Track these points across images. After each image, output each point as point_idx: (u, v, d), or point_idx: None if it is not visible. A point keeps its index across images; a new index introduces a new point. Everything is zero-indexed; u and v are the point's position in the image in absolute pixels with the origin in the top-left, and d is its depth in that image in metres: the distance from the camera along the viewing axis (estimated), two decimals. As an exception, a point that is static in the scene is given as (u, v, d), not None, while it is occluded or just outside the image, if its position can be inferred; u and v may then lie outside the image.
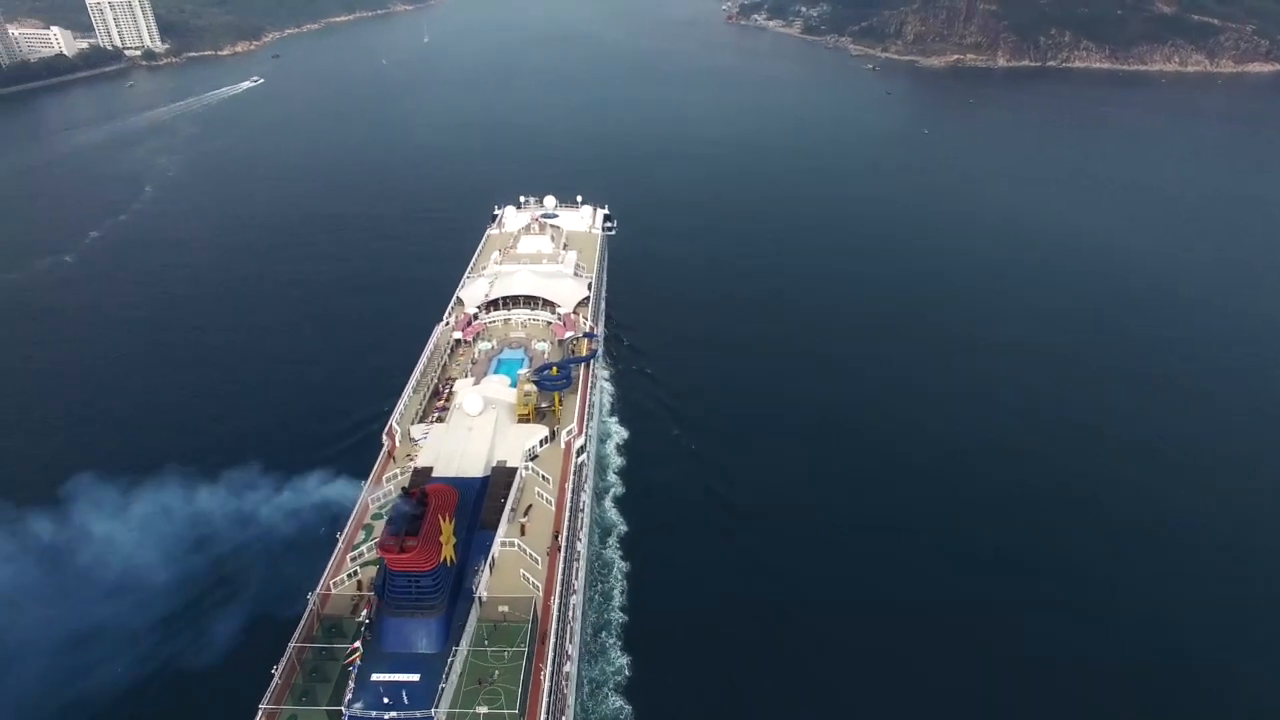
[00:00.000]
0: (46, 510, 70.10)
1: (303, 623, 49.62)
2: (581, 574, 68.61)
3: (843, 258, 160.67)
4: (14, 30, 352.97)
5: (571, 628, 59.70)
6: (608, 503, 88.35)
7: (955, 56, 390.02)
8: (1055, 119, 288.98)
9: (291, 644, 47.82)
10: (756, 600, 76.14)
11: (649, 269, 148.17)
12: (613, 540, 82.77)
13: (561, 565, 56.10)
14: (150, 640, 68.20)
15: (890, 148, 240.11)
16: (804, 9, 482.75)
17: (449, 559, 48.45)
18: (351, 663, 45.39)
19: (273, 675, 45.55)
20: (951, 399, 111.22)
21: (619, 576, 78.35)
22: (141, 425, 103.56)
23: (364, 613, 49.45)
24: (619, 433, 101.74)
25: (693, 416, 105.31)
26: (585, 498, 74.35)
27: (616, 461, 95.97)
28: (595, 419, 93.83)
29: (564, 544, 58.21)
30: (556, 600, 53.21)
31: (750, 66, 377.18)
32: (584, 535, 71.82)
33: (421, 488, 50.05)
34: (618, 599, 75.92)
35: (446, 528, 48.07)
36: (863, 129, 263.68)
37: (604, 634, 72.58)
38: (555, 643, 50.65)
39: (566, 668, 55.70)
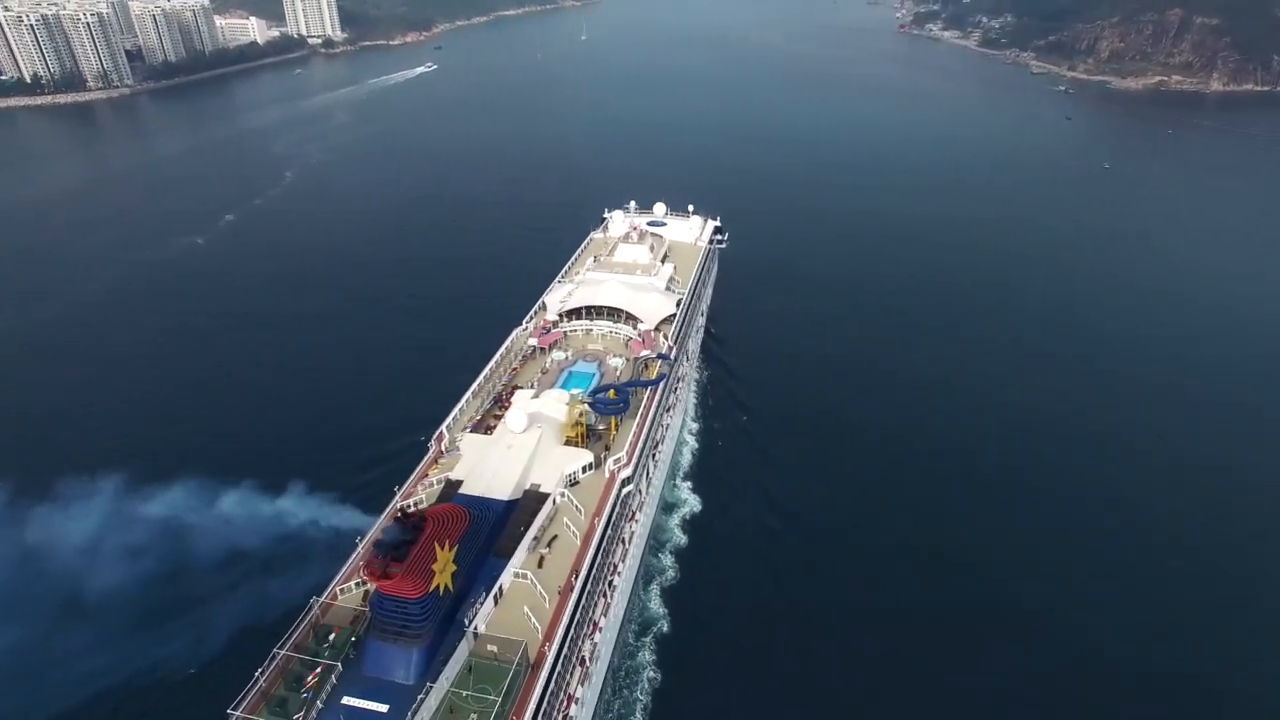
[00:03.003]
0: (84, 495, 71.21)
1: (298, 630, 47.26)
2: (613, 612, 63.74)
3: (982, 299, 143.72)
4: (220, 21, 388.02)
5: (588, 669, 55.78)
6: (654, 590, 78.11)
7: (1157, 78, 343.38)
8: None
9: (278, 650, 45.38)
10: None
11: (766, 288, 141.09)
12: (649, 640, 72.54)
13: (571, 608, 51.38)
14: (151, 634, 67.67)
15: (1058, 185, 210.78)
16: (984, 19, 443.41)
17: (443, 587, 45.46)
18: (309, 687, 43.22)
19: (258, 679, 43.69)
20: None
21: (645, 690, 68.18)
22: (202, 414, 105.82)
23: (332, 635, 47.10)
24: (690, 503, 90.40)
25: (788, 485, 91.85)
26: (635, 528, 70.29)
27: (678, 539, 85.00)
28: (666, 451, 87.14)
29: (578, 585, 53.14)
30: (555, 645, 48.38)
31: (915, 80, 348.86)
32: (625, 571, 67.20)
33: (421, 511, 47.72)
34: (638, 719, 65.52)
35: (444, 555, 45.38)
36: (1030, 159, 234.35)
37: (612, 760, 62.68)
38: (544, 690, 46.29)
39: (572, 711, 52.61)
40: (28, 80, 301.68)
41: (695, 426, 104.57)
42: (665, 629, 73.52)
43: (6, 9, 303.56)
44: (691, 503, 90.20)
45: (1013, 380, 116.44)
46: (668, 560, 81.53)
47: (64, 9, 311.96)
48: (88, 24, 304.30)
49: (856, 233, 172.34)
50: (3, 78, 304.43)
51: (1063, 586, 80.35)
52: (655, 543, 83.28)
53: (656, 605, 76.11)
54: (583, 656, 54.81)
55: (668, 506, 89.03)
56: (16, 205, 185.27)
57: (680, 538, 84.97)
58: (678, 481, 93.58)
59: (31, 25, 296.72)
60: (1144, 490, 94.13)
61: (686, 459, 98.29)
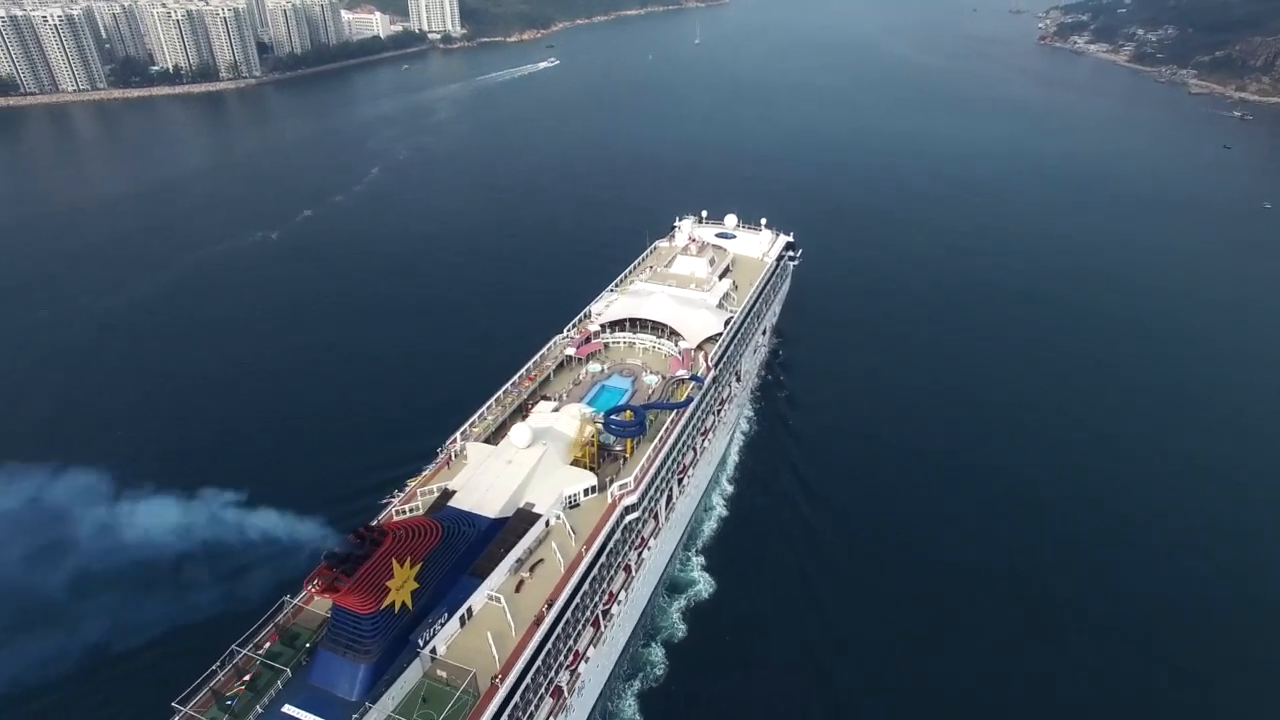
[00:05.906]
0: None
1: (265, 629, 46.27)
2: (608, 643, 60.68)
3: (1093, 339, 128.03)
4: (347, 15, 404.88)
5: (565, 700, 53.56)
6: (634, 689, 68.56)
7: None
8: None
9: (237, 648, 44.47)
10: None
11: (847, 312, 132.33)
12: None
13: (540, 637, 48.91)
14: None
15: (1200, 222, 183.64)
16: (1140, 31, 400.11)
17: (398, 604, 43.80)
18: (237, 692, 42.31)
19: (214, 674, 43.32)
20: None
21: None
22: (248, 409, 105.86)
23: (270, 643, 45.76)
24: (701, 583, 79.65)
25: (830, 570, 79.29)
26: (646, 555, 67.39)
27: (674, 629, 74.72)
28: (700, 478, 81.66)
29: (552, 614, 50.47)
30: (513, 675, 45.95)
31: (1051, 100, 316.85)
32: (631, 598, 64.31)
33: (380, 525, 46.09)
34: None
35: (403, 572, 43.86)
36: (1172, 192, 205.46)
37: None
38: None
39: None
40: (170, 71, 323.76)
41: (730, 490, 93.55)
42: (634, 737, 64.49)
43: (163, 5, 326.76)
44: (702, 585, 79.40)
45: (1139, 436, 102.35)
46: (657, 654, 71.69)
47: (207, 4, 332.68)
48: (225, 18, 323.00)
49: (956, 259, 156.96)
50: (153, 69, 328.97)
51: None
52: (650, 626, 74.10)
53: (631, 709, 66.80)
54: (557, 687, 52.11)
55: (672, 586, 79.34)
56: (122, 195, 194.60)
57: (680, 627, 74.80)
58: (690, 555, 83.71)
59: (177, 20, 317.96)
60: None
61: (710, 526, 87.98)
